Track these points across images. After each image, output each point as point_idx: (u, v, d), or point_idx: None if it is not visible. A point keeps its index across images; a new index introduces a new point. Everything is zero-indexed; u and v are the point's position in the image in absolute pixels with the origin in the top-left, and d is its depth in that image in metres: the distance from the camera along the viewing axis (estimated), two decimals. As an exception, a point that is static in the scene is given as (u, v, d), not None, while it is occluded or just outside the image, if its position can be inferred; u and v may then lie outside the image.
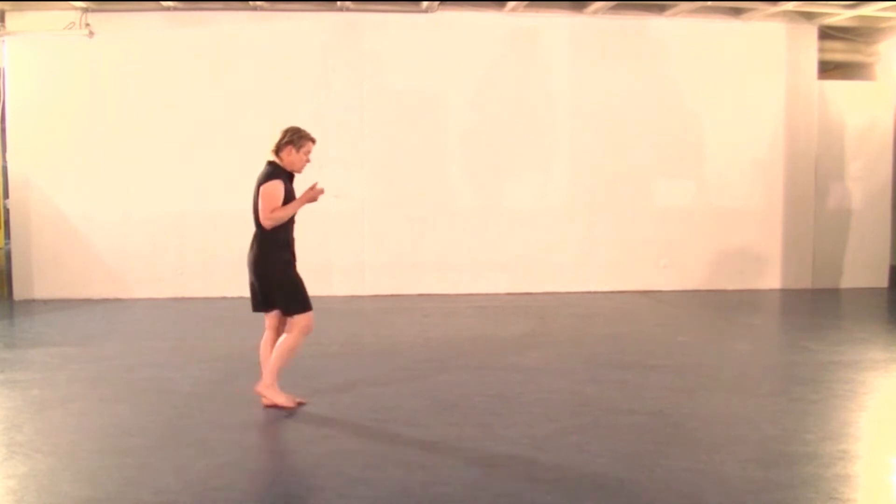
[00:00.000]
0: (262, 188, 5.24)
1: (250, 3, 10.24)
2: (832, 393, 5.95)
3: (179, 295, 10.51)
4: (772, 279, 11.49)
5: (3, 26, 10.14)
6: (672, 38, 11.07)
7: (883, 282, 11.72)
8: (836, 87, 11.56)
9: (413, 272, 10.86)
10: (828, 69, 11.79)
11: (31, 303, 10.25)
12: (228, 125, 10.53)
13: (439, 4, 10.55)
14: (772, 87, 11.28)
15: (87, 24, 10.18)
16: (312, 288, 10.45)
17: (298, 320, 5.30)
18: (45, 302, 10.19)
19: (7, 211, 11.57)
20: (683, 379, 6.39)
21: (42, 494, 4.01)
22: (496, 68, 10.90)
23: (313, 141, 5.37)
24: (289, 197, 5.25)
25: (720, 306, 10.22)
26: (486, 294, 10.71)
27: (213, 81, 10.52)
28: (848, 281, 11.63)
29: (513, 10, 10.62)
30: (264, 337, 5.54)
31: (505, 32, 10.89)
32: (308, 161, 5.38)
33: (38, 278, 10.41)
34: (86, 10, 10.13)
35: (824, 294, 11.23)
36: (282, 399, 5.38)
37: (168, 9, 10.24)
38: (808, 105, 11.38)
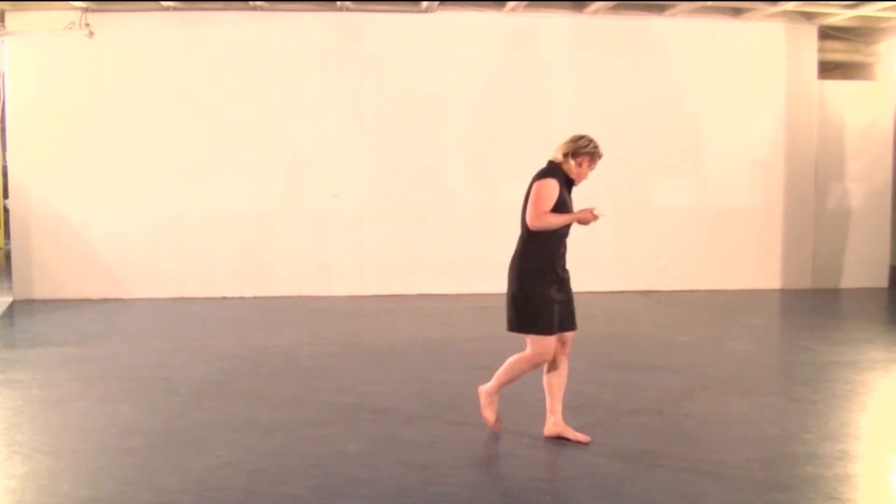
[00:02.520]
0: (537, 185, 4.68)
1: (250, 3, 10.23)
2: (832, 393, 5.96)
3: (179, 295, 10.51)
4: (772, 279, 11.49)
5: (3, 26, 10.14)
6: (672, 38, 11.07)
7: (883, 282, 11.72)
8: (836, 87, 11.55)
9: (413, 272, 10.86)
10: (828, 69, 11.79)
11: (31, 303, 10.24)
12: (228, 125, 10.53)
13: (439, 4, 10.55)
14: (772, 87, 11.28)
15: (87, 24, 10.17)
16: (313, 288, 10.59)
17: (533, 344, 4.67)
18: (45, 302, 10.18)
19: (7, 211, 11.57)
20: (683, 379, 6.39)
21: (42, 494, 4.01)
22: (496, 68, 10.89)
23: (600, 158, 4.89)
24: (561, 205, 4.68)
25: (720, 306, 10.22)
26: (486, 294, 10.68)
27: (213, 81, 10.51)
28: (848, 281, 11.63)
29: (513, 10, 10.62)
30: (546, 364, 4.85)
31: (505, 32, 10.88)
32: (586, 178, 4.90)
33: (37, 278, 10.40)
34: (86, 10, 10.12)
35: (824, 294, 11.23)
36: (489, 417, 4.90)
37: (168, 9, 10.24)
38: (808, 105, 11.38)
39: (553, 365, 4.84)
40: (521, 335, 4.76)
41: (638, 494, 4.03)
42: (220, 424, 5.16)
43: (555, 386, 4.85)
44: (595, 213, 4.64)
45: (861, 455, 4.68)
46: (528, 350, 4.70)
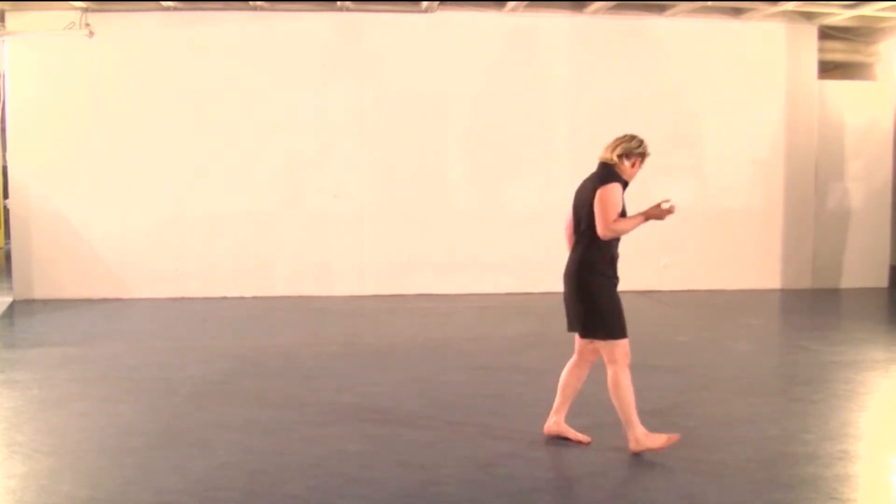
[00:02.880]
0: (602, 191, 4.54)
1: (250, 3, 10.23)
2: (832, 393, 5.95)
3: (179, 295, 10.51)
4: (772, 279, 11.48)
5: (3, 26, 10.14)
6: (672, 38, 11.06)
7: (883, 282, 11.72)
8: (836, 87, 11.55)
9: (413, 272, 10.85)
10: (828, 69, 11.79)
11: (31, 303, 10.24)
12: (228, 125, 10.52)
13: (439, 4, 10.54)
14: (772, 87, 11.28)
15: (87, 24, 10.17)
16: (312, 288, 10.60)
17: (613, 350, 4.55)
18: (45, 302, 10.18)
19: (7, 211, 11.57)
20: (683, 379, 6.39)
21: (42, 494, 4.01)
22: (496, 68, 10.89)
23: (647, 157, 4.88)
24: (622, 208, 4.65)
25: (720, 306, 10.22)
26: (486, 294, 10.71)
27: (213, 81, 10.51)
28: (848, 281, 11.62)
29: (513, 10, 10.62)
30: (570, 361, 4.87)
31: (505, 32, 10.88)
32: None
33: (38, 278, 10.40)
34: (86, 10, 10.12)
35: (824, 294, 11.23)
36: (657, 442, 4.52)
37: (168, 9, 10.24)
38: (808, 105, 11.38)
39: (578, 367, 4.83)
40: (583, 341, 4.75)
41: (638, 494, 4.03)
42: (220, 424, 5.16)
43: (570, 387, 4.83)
44: (663, 206, 4.59)
45: (861, 455, 4.68)
46: (612, 363, 4.56)
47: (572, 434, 4.79)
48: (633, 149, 4.68)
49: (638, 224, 4.59)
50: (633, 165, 4.70)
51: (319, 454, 4.60)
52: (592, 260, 4.63)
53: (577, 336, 4.80)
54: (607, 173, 4.63)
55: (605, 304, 4.59)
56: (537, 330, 8.53)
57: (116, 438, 4.88)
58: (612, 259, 4.66)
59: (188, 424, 5.18)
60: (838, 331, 8.83)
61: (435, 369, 6.72)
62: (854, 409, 5.65)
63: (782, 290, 11.41)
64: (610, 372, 4.57)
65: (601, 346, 4.61)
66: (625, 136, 4.73)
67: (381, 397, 5.83)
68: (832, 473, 4.27)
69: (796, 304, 10.62)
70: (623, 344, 4.56)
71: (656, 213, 4.59)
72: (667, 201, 4.57)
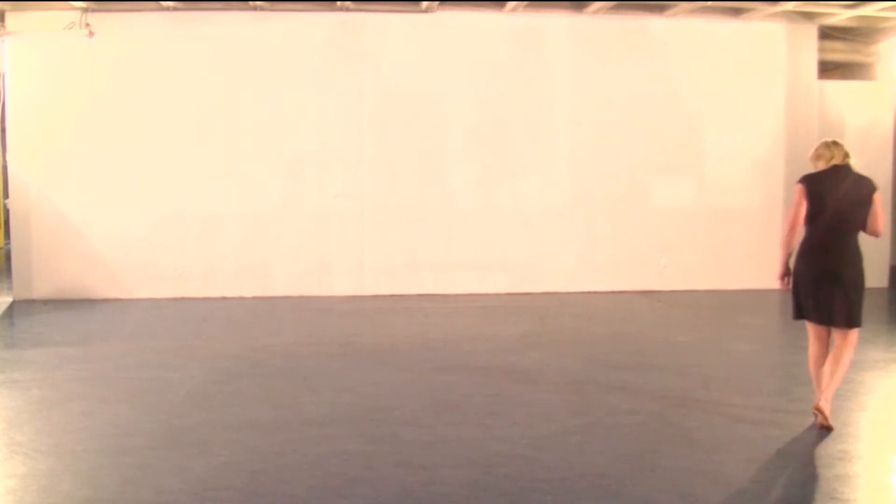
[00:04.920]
0: (877, 197, 5.12)
1: (250, 3, 10.23)
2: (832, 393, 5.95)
3: (179, 295, 10.51)
4: (772, 279, 11.39)
5: (3, 26, 10.13)
6: (672, 38, 11.07)
7: (883, 282, 11.71)
8: (836, 87, 11.55)
9: (413, 272, 10.85)
10: (828, 69, 11.79)
11: (30, 303, 10.24)
12: (228, 125, 10.52)
13: (439, 4, 10.54)
14: (772, 87, 11.28)
15: (87, 24, 10.16)
16: (312, 288, 10.60)
17: (854, 334, 5.13)
18: (45, 302, 10.19)
19: (7, 211, 11.57)
20: (683, 379, 6.39)
21: (42, 494, 4.01)
22: (496, 68, 10.89)
23: None
24: None
25: (720, 306, 10.22)
26: (486, 294, 10.71)
27: (213, 81, 10.51)
28: (848, 281, 11.60)
29: (513, 10, 10.62)
30: (818, 351, 5.26)
31: (505, 32, 10.88)
32: None
33: (37, 278, 10.40)
34: (86, 10, 10.11)
35: (824, 294, 11.19)
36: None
37: (168, 9, 10.24)
38: (808, 105, 11.37)
39: (826, 350, 5.22)
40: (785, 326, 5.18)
41: (638, 494, 4.03)
42: (221, 424, 5.16)
43: (827, 367, 5.14)
44: None
45: (861, 455, 4.68)
46: (851, 345, 5.06)
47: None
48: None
49: None
50: None
51: (319, 454, 4.60)
52: (861, 255, 5.20)
53: (815, 327, 5.24)
54: (870, 179, 5.09)
55: (863, 294, 5.18)
56: (537, 330, 8.53)
57: (117, 438, 4.88)
58: None
59: (188, 424, 5.18)
60: (838, 331, 8.82)
61: (435, 369, 6.72)
62: (854, 409, 5.65)
63: (782, 290, 11.37)
64: (846, 354, 5.05)
65: (852, 332, 5.08)
66: (837, 140, 5.20)
67: (381, 397, 5.83)
68: (832, 473, 4.27)
69: (796, 304, 10.60)
70: (859, 331, 5.12)
71: None
72: None
